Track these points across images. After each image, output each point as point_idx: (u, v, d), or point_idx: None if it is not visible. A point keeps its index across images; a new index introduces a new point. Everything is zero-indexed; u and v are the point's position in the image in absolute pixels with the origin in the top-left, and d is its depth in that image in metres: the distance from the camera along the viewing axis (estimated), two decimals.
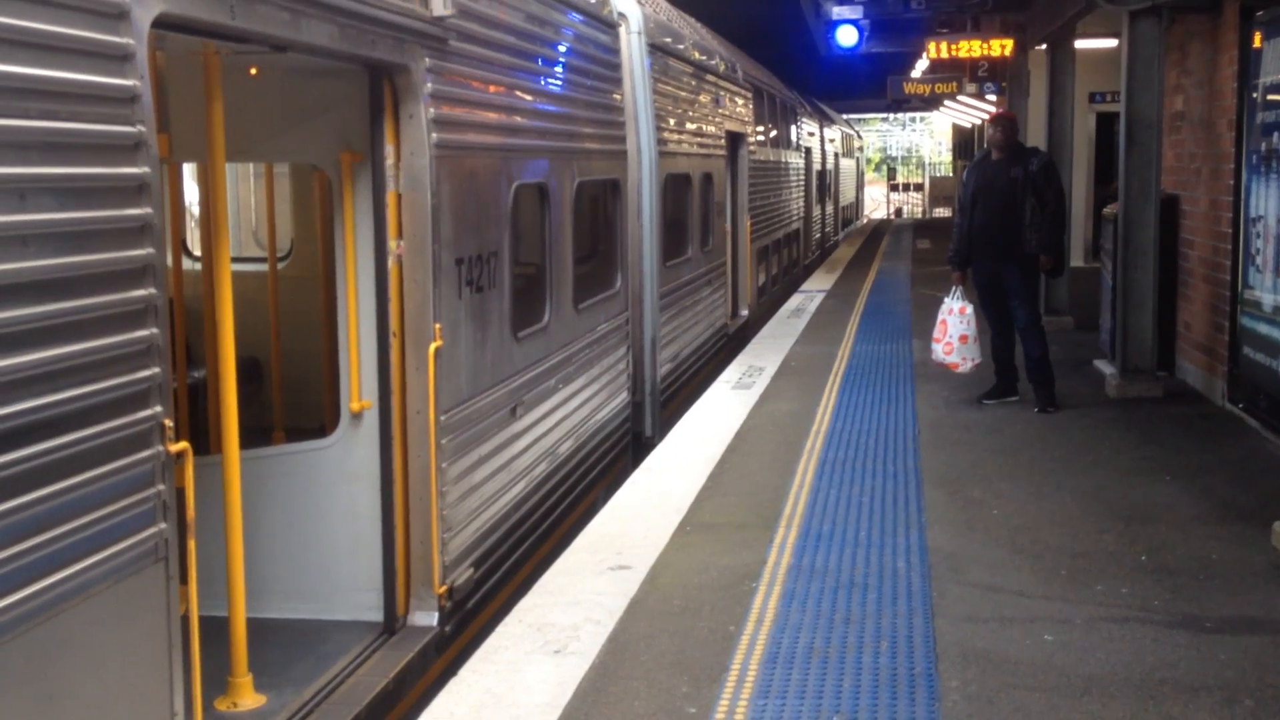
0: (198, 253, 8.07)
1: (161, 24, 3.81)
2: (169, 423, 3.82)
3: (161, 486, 3.80)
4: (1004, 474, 8.20)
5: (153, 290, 3.73)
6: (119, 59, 3.58)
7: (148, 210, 3.70)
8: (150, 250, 3.72)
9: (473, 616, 6.32)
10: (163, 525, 3.80)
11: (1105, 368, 11.39)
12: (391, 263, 5.67)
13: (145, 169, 3.68)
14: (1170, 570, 6.31)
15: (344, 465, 5.86)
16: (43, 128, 3.32)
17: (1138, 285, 10.77)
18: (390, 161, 5.65)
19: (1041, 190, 10.03)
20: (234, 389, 4.89)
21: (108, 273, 3.57)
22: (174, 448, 3.86)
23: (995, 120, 10.58)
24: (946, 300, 10.37)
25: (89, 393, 3.49)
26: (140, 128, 3.66)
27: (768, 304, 18.45)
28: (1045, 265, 10.17)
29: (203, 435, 6.89)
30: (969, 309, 10.25)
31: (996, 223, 10.11)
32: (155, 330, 3.75)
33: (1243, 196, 9.32)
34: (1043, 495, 7.68)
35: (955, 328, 10.25)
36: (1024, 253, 10.06)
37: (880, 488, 7.85)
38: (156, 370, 3.76)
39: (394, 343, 5.73)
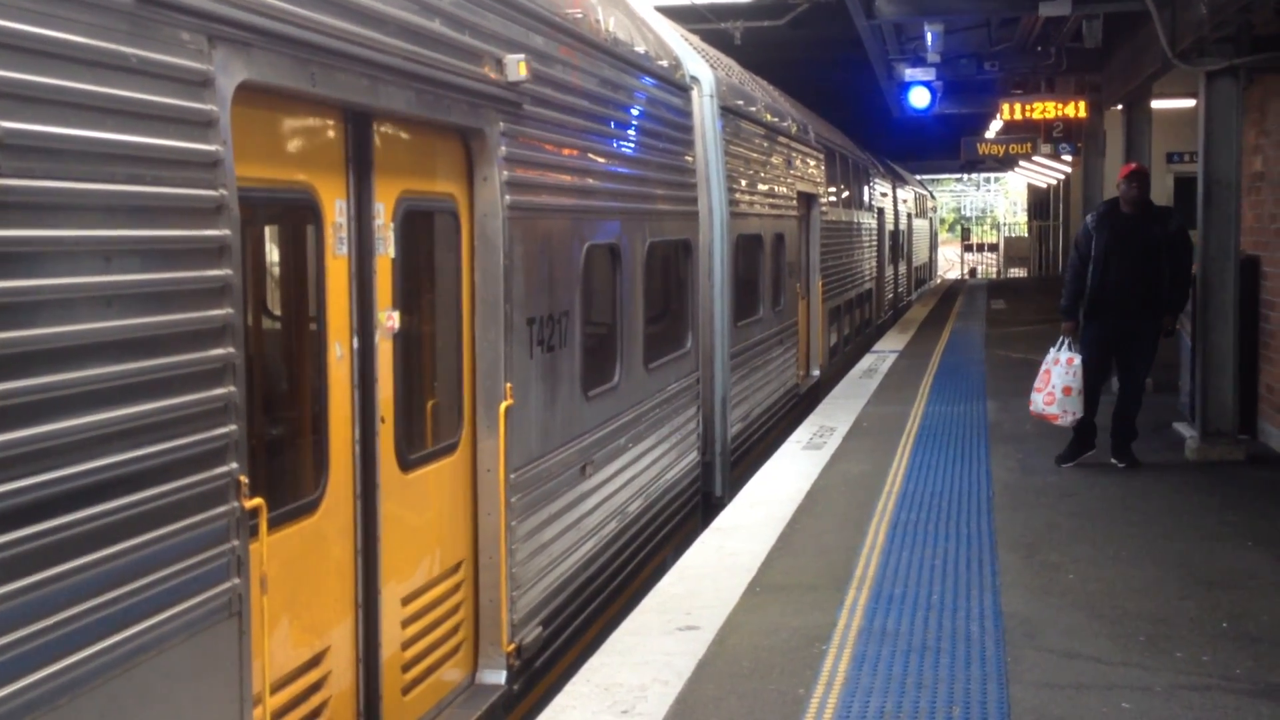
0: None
1: (244, 90, 3.92)
2: (244, 479, 3.88)
3: (236, 542, 3.86)
4: (1081, 537, 8.06)
5: (231, 349, 3.81)
6: (202, 125, 3.69)
7: (228, 271, 3.79)
8: (229, 310, 3.80)
9: (541, 675, 6.31)
10: (236, 580, 3.86)
11: (1185, 430, 11.19)
12: (380, 337, 4.98)
13: (226, 231, 3.77)
14: (1253, 638, 6.16)
15: None
16: (128, 191, 3.41)
17: (1218, 347, 10.60)
18: (380, 222, 4.99)
19: (1179, 252, 9.98)
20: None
21: (188, 332, 3.65)
22: (249, 504, 3.93)
23: (1131, 175, 10.17)
24: (1052, 351, 10.15)
25: (167, 449, 3.56)
26: (222, 191, 3.76)
27: (839, 364, 18.37)
28: (1170, 325, 10.14)
29: None
30: (1077, 360, 10.02)
31: (1135, 280, 9.93)
32: (233, 389, 3.83)
33: None
34: (1121, 560, 7.55)
35: (1060, 379, 10.02)
36: (1161, 313, 10.02)
37: (953, 550, 7.76)
38: (233, 428, 3.83)
39: (381, 429, 4.98)
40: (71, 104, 3.21)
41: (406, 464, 5.24)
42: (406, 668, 5.26)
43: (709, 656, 5.97)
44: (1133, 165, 10.72)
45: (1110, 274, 9.99)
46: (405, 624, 5.24)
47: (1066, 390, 10.02)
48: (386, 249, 5.04)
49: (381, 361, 5.00)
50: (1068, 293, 10.31)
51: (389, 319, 5.05)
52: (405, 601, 5.25)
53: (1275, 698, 5.40)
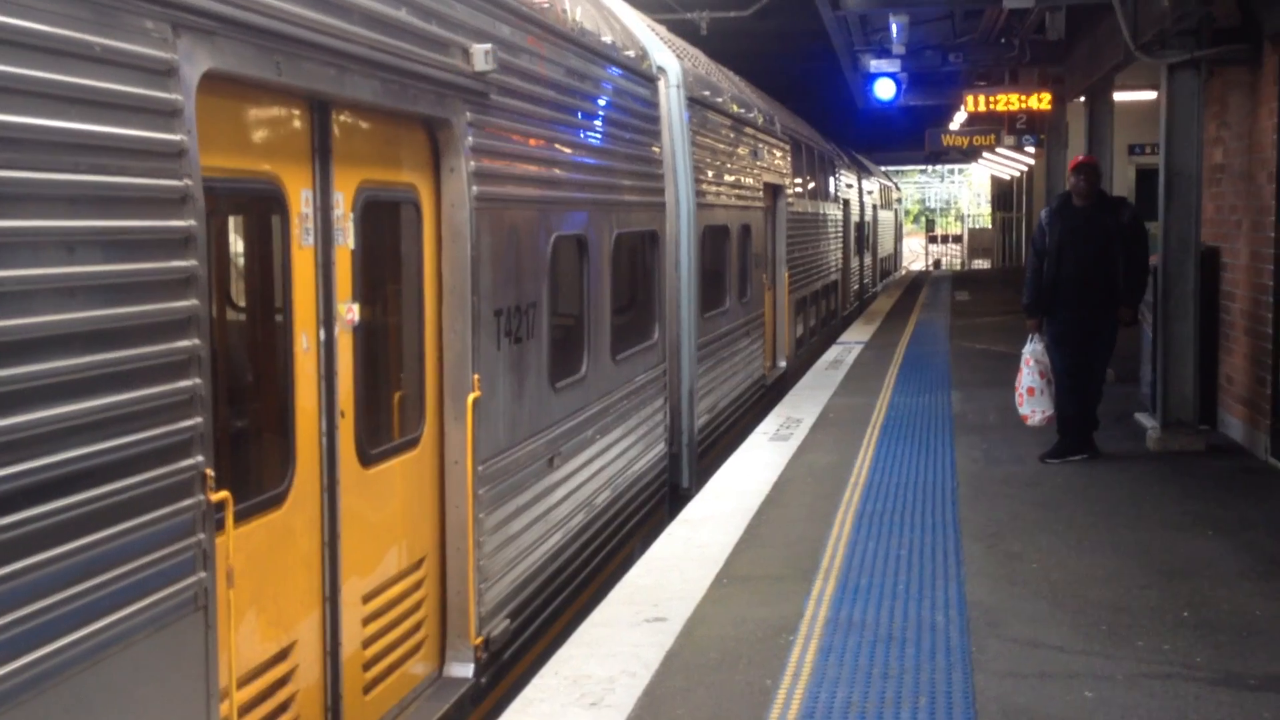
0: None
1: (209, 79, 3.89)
2: (210, 472, 3.86)
3: (202, 535, 3.83)
4: (1043, 528, 8.13)
5: (196, 341, 3.78)
6: (167, 114, 3.66)
7: (193, 262, 3.76)
8: (195, 301, 3.77)
9: (509, 668, 6.31)
10: (203, 574, 3.83)
11: (1146, 421, 11.29)
12: (339, 330, 4.89)
13: (191, 222, 3.74)
14: (1213, 626, 6.23)
15: None
16: (91, 181, 3.38)
17: (1178, 338, 10.69)
18: (339, 212, 4.89)
19: (1130, 242, 9.93)
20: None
21: (152, 324, 3.62)
22: (215, 497, 3.90)
23: (1079, 168, 10.17)
24: (1024, 349, 10.16)
25: (132, 442, 3.54)
26: (187, 181, 3.73)
27: (806, 355, 18.43)
28: (1126, 316, 10.09)
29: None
30: (1033, 360, 10.02)
31: (1090, 272, 9.90)
32: (198, 381, 3.80)
33: None
34: (1083, 549, 7.61)
35: (1025, 379, 10.05)
36: (1118, 304, 9.98)
37: (918, 541, 7.80)
38: (199, 420, 3.80)
39: (341, 424, 4.91)
40: (34, 93, 3.17)
41: (367, 459, 5.17)
42: (370, 664, 5.21)
43: (677, 648, 5.98)
44: (1079, 158, 10.74)
45: (1065, 267, 9.97)
46: (368, 620, 5.19)
47: (1030, 390, 10.05)
48: (345, 240, 4.95)
49: (341, 355, 4.92)
50: (1028, 290, 10.32)
51: (348, 311, 4.95)
52: (367, 598, 5.19)
53: (1235, 686, 5.47)
